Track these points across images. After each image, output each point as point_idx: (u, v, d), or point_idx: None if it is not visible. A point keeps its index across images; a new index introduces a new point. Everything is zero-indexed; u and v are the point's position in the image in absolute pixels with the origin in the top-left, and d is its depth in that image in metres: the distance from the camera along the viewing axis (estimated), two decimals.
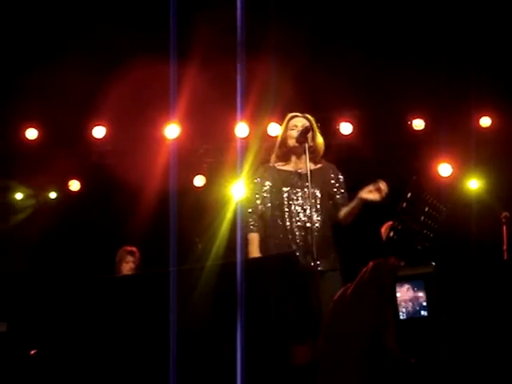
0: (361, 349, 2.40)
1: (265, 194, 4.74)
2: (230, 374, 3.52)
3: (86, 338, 3.87)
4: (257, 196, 4.74)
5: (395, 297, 2.50)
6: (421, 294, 2.53)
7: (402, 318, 2.50)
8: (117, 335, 3.78)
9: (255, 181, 4.79)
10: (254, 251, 4.61)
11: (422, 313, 2.53)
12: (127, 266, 6.26)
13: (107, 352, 3.80)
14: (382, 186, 4.48)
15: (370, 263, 2.89)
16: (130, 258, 6.28)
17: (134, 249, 6.34)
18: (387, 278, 2.71)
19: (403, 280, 2.61)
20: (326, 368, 2.44)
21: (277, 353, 3.56)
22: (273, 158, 4.86)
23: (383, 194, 4.48)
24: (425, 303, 2.51)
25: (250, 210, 4.70)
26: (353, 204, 4.66)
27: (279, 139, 4.84)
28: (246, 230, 4.68)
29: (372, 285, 2.63)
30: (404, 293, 2.57)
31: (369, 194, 4.51)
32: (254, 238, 4.66)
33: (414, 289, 2.62)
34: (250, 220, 4.68)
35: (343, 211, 4.71)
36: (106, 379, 3.77)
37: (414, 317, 2.51)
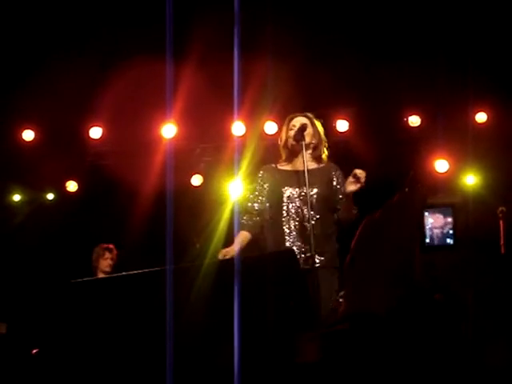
0: (389, 270, 2.35)
1: (263, 195, 4.76)
2: (228, 374, 3.52)
3: (84, 338, 3.87)
4: (255, 196, 4.76)
5: (423, 223, 2.50)
6: (449, 220, 2.53)
7: (429, 243, 2.50)
8: (115, 334, 3.79)
9: (256, 181, 4.82)
10: (234, 245, 4.57)
11: (448, 241, 2.54)
12: (105, 262, 6.37)
13: (106, 351, 3.81)
14: (358, 172, 4.49)
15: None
16: (108, 255, 6.39)
17: (110, 245, 6.42)
18: (417, 203, 2.69)
19: (433, 207, 2.60)
20: (352, 289, 2.38)
21: (275, 351, 3.57)
22: (280, 161, 4.89)
23: (362, 179, 4.48)
24: (452, 231, 2.51)
25: (244, 209, 4.73)
26: (340, 184, 4.67)
27: (282, 142, 4.87)
28: (241, 227, 4.69)
29: (402, 208, 2.59)
30: (435, 219, 2.57)
31: (350, 185, 4.52)
32: (241, 234, 4.65)
33: (444, 216, 2.62)
34: (243, 219, 4.70)
35: (339, 214, 4.70)
36: (105, 379, 3.77)
37: (440, 244, 2.51)
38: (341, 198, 4.70)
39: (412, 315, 2.18)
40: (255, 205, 4.74)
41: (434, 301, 2.31)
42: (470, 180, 6.87)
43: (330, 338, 2.08)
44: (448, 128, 6.62)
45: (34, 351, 5.36)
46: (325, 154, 4.87)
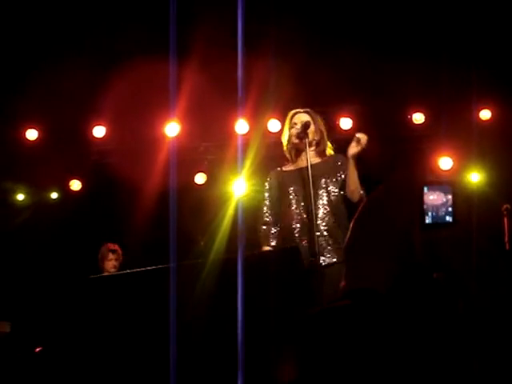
0: (389, 247, 2.32)
1: (273, 202, 4.79)
2: (231, 371, 3.52)
3: (88, 336, 3.87)
4: (267, 208, 4.80)
5: (422, 202, 2.46)
6: (449, 197, 2.49)
7: (427, 222, 2.46)
8: (119, 332, 3.78)
9: (265, 189, 4.84)
10: None
11: (447, 218, 2.51)
12: (110, 264, 6.35)
13: (110, 349, 3.80)
14: (360, 136, 4.54)
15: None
16: (112, 256, 6.36)
17: (116, 246, 6.41)
18: (418, 180, 2.67)
19: (432, 184, 2.58)
20: (351, 267, 2.35)
21: (277, 348, 3.56)
22: (286, 163, 4.92)
23: (363, 142, 4.52)
24: (450, 208, 2.48)
25: (264, 227, 4.76)
26: (347, 170, 4.64)
27: (285, 141, 4.87)
28: (262, 241, 4.74)
29: (402, 184, 2.57)
30: (435, 196, 2.54)
31: (352, 148, 4.55)
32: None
33: (444, 193, 2.59)
34: (266, 232, 4.74)
35: (346, 186, 4.68)
36: (109, 376, 3.77)
37: (439, 221, 2.47)
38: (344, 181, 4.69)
39: (410, 293, 2.16)
40: (271, 218, 4.76)
41: (433, 280, 2.30)
42: (475, 177, 6.85)
43: (329, 315, 2.06)
44: (452, 125, 6.60)
45: (38, 349, 5.36)
46: (329, 147, 4.87)
